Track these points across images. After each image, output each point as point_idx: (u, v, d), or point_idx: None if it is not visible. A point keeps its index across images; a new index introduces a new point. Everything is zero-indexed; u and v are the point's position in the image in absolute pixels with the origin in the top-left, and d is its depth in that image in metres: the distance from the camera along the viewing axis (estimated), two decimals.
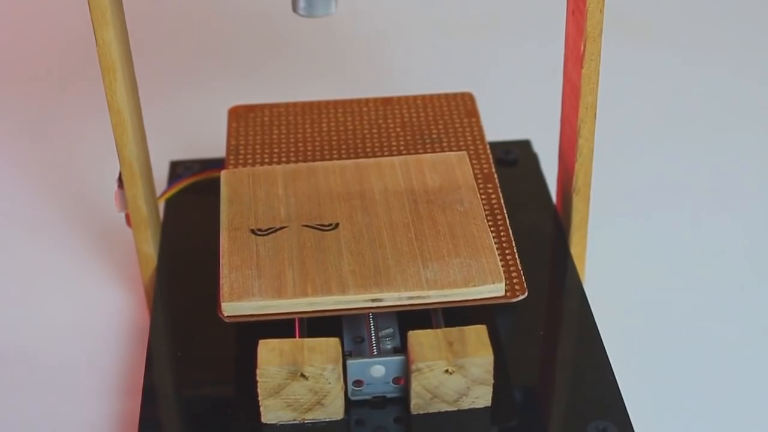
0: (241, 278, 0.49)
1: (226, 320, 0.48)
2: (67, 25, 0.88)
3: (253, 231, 0.52)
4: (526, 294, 0.49)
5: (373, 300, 0.48)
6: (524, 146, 0.66)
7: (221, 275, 0.50)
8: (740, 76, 0.81)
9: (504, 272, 0.50)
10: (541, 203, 0.61)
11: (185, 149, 0.70)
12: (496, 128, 0.66)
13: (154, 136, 0.60)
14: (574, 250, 0.58)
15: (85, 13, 0.51)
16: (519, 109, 0.77)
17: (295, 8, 0.49)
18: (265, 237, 0.51)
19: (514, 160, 0.64)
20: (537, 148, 0.66)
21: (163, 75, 0.81)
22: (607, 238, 0.65)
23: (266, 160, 0.58)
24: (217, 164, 0.62)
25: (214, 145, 0.69)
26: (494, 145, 0.63)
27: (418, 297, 0.49)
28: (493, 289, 0.49)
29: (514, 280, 0.50)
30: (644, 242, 0.66)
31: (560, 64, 0.57)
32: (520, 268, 0.51)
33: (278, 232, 0.52)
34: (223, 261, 0.50)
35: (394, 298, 0.48)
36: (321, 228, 0.52)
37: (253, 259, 0.50)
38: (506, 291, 0.49)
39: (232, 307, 0.48)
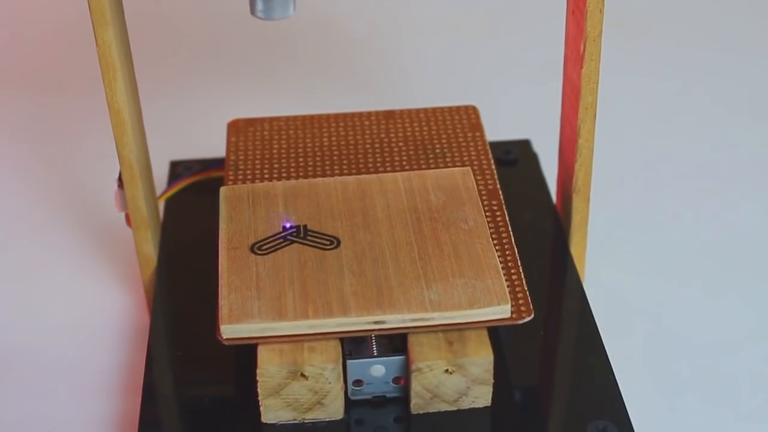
0: (241, 299, 0.48)
1: (225, 343, 0.48)
2: (67, 25, 0.87)
3: (252, 250, 0.51)
4: (532, 315, 0.48)
5: (376, 322, 0.48)
6: (524, 146, 0.66)
7: (220, 296, 0.48)
8: (740, 75, 0.81)
9: (510, 293, 0.49)
10: (541, 203, 0.61)
11: (185, 149, 0.70)
12: (496, 128, 0.66)
13: (154, 136, 0.60)
14: (574, 250, 0.58)
15: (85, 13, 0.50)
16: (519, 109, 0.77)
17: (252, 11, 0.47)
18: (265, 256, 0.50)
19: (514, 160, 0.64)
20: (537, 148, 0.66)
21: (163, 75, 0.81)
22: (607, 238, 0.65)
23: (266, 176, 0.57)
24: (217, 164, 0.62)
25: (214, 145, 0.69)
26: (494, 145, 0.63)
27: (421, 319, 0.48)
28: (499, 311, 0.48)
29: (520, 301, 0.49)
30: (644, 242, 0.66)
31: (560, 64, 0.57)
32: (525, 288, 0.50)
33: (278, 251, 0.51)
34: (222, 281, 0.49)
35: (397, 320, 0.48)
36: (322, 247, 0.51)
37: (253, 280, 0.49)
38: (512, 312, 0.48)
39: (231, 330, 0.47)
